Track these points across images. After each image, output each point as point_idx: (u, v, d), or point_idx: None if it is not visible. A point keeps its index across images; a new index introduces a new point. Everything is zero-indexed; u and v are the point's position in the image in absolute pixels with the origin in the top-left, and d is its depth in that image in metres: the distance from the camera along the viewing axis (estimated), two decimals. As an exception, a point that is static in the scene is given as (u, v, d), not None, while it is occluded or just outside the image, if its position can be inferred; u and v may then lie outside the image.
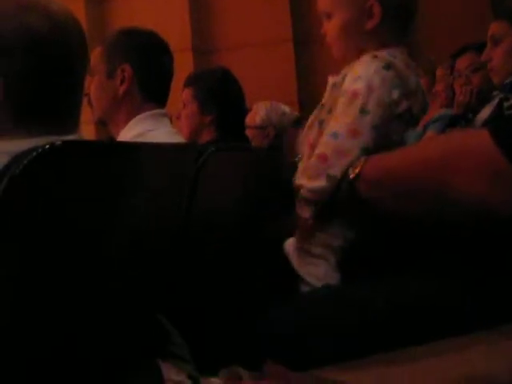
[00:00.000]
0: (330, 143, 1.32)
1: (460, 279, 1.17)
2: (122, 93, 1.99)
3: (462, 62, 3.02)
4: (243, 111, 2.83)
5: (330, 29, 1.46)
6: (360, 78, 1.33)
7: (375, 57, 1.36)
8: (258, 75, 5.58)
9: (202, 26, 5.98)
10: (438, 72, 3.50)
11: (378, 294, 1.15)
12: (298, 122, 3.27)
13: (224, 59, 5.88)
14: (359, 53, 1.41)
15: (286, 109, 3.34)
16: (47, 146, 0.97)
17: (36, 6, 1.25)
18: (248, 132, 3.02)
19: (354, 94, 1.32)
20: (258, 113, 3.24)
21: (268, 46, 5.76)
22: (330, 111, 1.39)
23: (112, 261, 1.14)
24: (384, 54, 1.37)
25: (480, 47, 2.93)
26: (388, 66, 1.35)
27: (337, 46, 1.46)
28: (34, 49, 1.21)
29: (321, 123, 1.41)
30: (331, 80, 1.43)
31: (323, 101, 1.44)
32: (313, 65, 5.37)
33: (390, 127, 1.36)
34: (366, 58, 1.37)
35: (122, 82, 1.99)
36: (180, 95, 2.71)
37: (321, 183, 1.31)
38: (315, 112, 1.44)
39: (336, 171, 1.30)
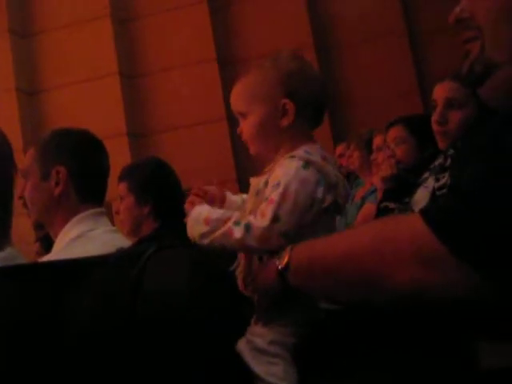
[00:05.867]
0: (240, 231, 1.33)
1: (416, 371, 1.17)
2: (57, 195, 1.97)
3: (391, 134, 3.06)
4: (181, 197, 2.83)
5: (246, 128, 1.46)
6: (278, 185, 1.33)
7: (293, 157, 1.37)
8: (194, 155, 5.63)
9: (137, 110, 6.02)
10: (377, 141, 3.50)
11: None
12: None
13: (159, 141, 5.92)
14: (276, 149, 1.43)
15: (229, 193, 3.33)
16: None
17: None
18: (188, 219, 3.00)
19: (271, 201, 1.33)
20: None
21: (202, 125, 5.83)
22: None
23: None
24: (300, 152, 1.38)
25: (408, 120, 3.01)
26: (307, 165, 1.36)
27: (254, 145, 1.47)
28: None
29: None
30: (254, 185, 1.43)
31: (246, 205, 1.44)
32: (248, 141, 5.41)
33: (319, 222, 1.37)
34: (284, 161, 1.38)
35: (57, 183, 1.97)
36: (116, 182, 2.70)
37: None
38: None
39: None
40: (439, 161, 2.25)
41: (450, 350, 1.20)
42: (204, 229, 1.37)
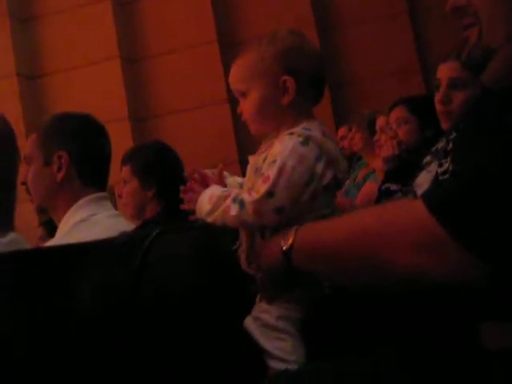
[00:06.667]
0: (236, 208, 1.34)
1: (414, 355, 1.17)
2: (59, 180, 1.97)
3: (393, 115, 3.06)
4: (184, 180, 2.83)
5: (246, 107, 1.45)
6: (275, 162, 1.33)
7: (292, 134, 1.37)
8: (197, 138, 5.62)
9: (138, 94, 6.01)
10: (380, 122, 3.48)
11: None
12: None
13: (161, 125, 5.91)
14: (278, 127, 1.42)
15: (227, 175, 3.33)
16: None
17: None
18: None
19: (267, 178, 1.33)
20: None
21: (204, 108, 5.81)
22: None
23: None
24: (299, 129, 1.38)
25: (410, 100, 3.00)
26: (306, 141, 1.35)
27: (254, 124, 1.46)
28: None
29: None
30: (252, 162, 1.43)
31: (246, 183, 1.45)
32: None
33: (319, 200, 1.37)
34: (282, 138, 1.38)
35: (60, 168, 1.97)
36: (119, 166, 2.70)
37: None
38: None
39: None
40: (442, 144, 2.23)
41: (452, 332, 1.20)
42: (208, 207, 1.38)
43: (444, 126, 2.43)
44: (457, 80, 2.36)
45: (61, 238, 1.94)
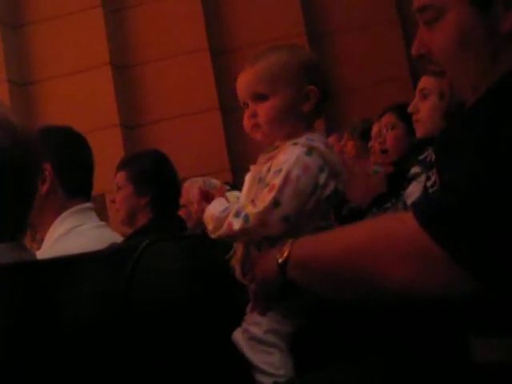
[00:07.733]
0: (239, 222, 1.34)
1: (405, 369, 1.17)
2: (44, 192, 1.96)
3: (383, 121, 3.14)
4: (178, 190, 2.83)
5: (266, 110, 1.42)
6: (280, 171, 1.34)
7: (296, 144, 1.38)
8: (188, 145, 5.62)
9: (129, 101, 6.00)
10: (375, 129, 3.52)
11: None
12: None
13: (152, 132, 5.91)
14: (288, 135, 1.42)
15: (218, 183, 3.34)
16: None
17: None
18: (182, 212, 3.00)
19: (272, 187, 1.33)
20: (192, 191, 3.22)
21: (195, 115, 5.81)
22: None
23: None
24: (303, 139, 1.39)
25: (399, 108, 3.04)
26: (310, 151, 1.36)
27: (270, 128, 1.43)
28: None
29: None
30: (255, 172, 1.43)
31: (244, 192, 1.44)
32: (242, 131, 5.42)
33: (319, 210, 1.38)
34: (287, 148, 1.38)
35: (44, 181, 1.96)
36: (110, 172, 2.70)
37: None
38: None
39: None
40: (429, 156, 2.27)
41: (442, 345, 1.20)
42: (210, 226, 1.40)
43: (417, 133, 2.54)
44: (424, 90, 2.47)
45: (46, 249, 1.93)
